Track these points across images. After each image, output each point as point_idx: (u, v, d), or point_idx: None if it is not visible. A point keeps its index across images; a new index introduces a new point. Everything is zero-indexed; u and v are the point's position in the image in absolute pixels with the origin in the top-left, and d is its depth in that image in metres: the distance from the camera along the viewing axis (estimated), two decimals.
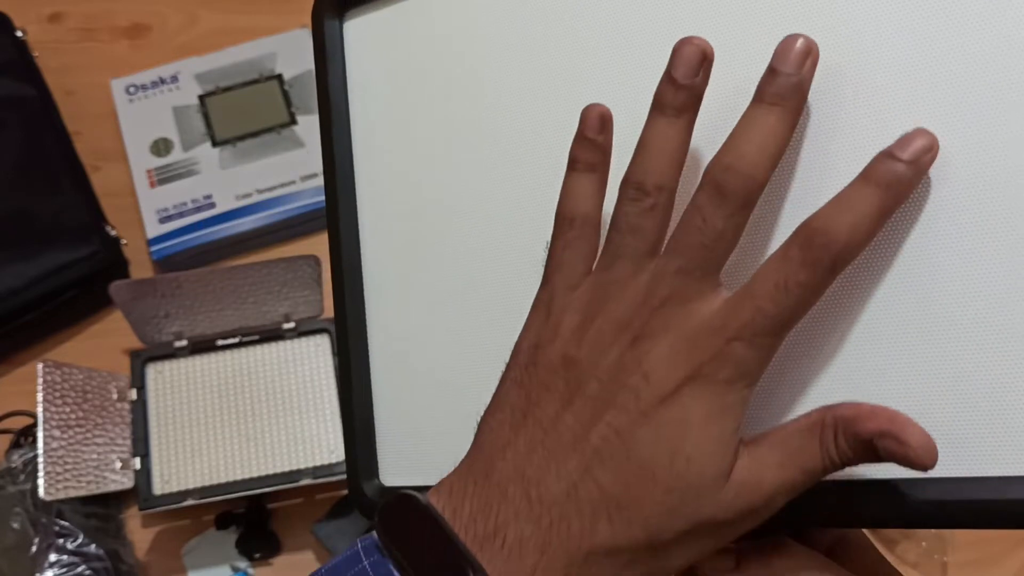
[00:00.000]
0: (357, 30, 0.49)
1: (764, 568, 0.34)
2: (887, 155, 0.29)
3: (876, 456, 0.29)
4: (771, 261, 0.30)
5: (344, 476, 0.70)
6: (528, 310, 0.35)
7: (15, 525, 0.69)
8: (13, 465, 0.70)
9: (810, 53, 0.31)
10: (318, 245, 0.83)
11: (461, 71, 0.44)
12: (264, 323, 0.75)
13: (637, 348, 0.31)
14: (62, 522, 0.67)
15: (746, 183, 0.30)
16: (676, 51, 0.32)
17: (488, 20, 0.43)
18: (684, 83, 0.31)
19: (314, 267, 0.71)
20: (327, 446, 0.71)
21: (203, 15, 0.93)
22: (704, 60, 0.31)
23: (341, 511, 0.70)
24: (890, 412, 0.29)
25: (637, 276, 0.31)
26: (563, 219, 0.34)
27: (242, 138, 0.84)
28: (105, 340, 0.79)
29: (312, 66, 0.94)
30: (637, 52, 0.38)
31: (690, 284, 0.30)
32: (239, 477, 0.69)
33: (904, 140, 0.29)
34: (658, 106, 0.32)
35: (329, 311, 0.75)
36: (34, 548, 0.67)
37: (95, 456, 0.68)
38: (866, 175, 0.29)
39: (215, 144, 0.84)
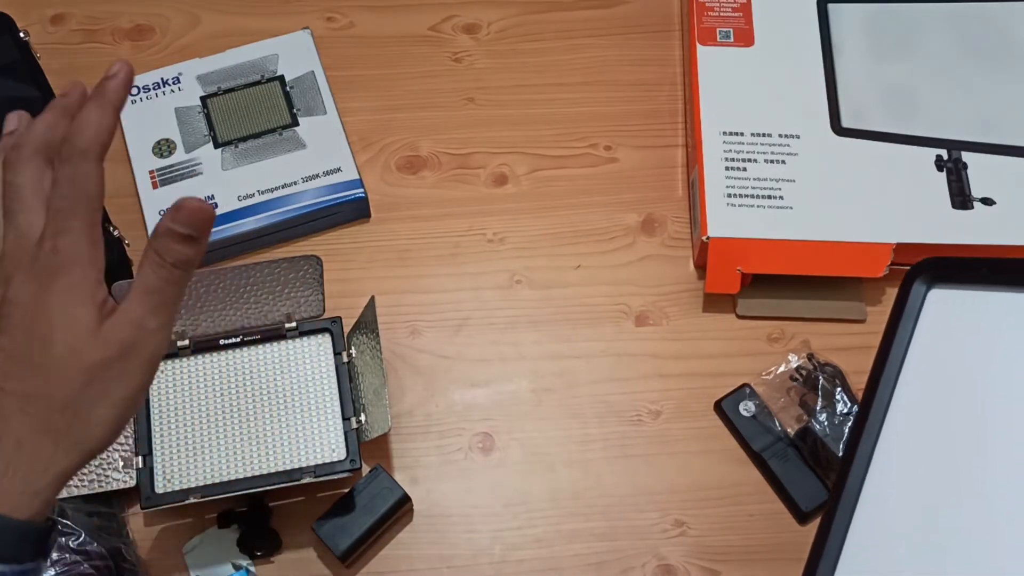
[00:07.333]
0: (939, 301, 0.55)
1: None
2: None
3: (185, 239, 0.42)
4: None
5: (345, 474, 0.70)
6: None
7: None
8: None
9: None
10: (320, 245, 0.84)
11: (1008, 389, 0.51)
12: (266, 323, 0.75)
13: None
14: (64, 520, 0.67)
15: None
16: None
17: None
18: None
19: (316, 267, 0.72)
20: (328, 445, 0.71)
21: (205, 17, 0.94)
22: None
23: (342, 509, 0.70)
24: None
25: None
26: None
27: (244, 139, 0.84)
28: None
29: (313, 68, 0.95)
30: None
31: None
32: (241, 475, 0.70)
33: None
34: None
35: (330, 311, 0.75)
36: None
37: None
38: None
39: (217, 145, 0.84)
